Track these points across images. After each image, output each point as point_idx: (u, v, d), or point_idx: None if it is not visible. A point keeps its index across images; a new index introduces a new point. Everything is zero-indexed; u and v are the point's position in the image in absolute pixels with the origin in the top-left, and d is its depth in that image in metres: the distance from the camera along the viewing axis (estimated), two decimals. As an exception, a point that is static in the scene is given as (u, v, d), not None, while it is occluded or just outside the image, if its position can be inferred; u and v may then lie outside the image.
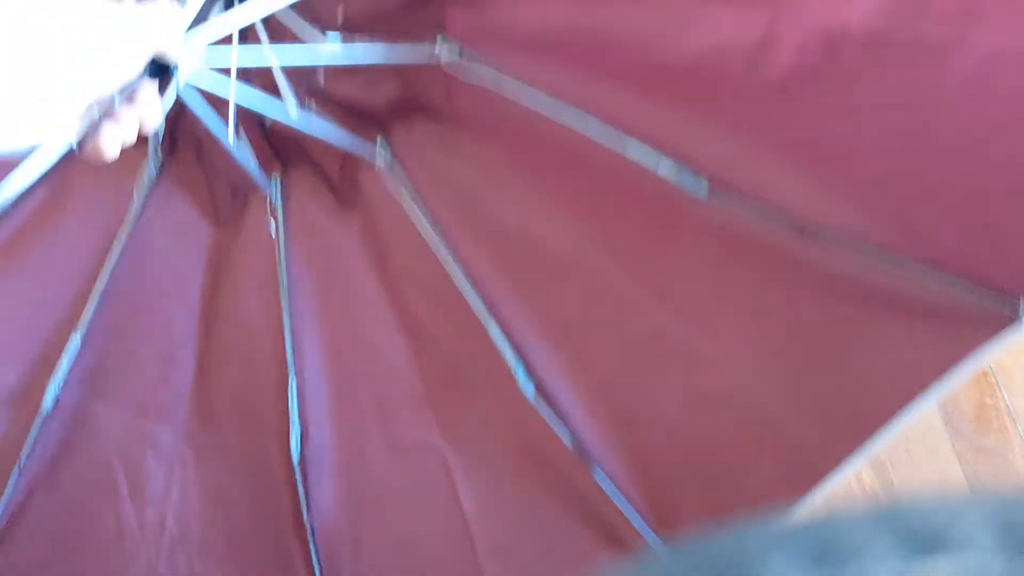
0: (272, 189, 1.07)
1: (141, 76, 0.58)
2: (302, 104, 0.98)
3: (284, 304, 1.06)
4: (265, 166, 1.06)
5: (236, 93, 0.85)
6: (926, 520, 0.26)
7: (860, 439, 0.80)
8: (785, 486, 0.85)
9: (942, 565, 0.24)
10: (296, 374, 1.06)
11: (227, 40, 0.81)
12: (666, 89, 0.80)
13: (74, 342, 1.10)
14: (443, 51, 0.92)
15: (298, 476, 1.09)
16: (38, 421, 1.11)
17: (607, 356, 0.96)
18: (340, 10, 0.93)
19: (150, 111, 0.58)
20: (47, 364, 1.09)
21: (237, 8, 0.79)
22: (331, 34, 0.93)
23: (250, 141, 1.04)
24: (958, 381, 0.74)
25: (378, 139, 1.03)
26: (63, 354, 1.10)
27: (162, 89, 0.61)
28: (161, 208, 1.09)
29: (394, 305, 1.06)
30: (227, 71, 0.84)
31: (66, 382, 1.11)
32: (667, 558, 0.30)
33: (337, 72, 1.00)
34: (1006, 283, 0.71)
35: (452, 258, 1.00)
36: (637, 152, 0.84)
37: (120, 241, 1.08)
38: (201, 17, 0.75)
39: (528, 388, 0.98)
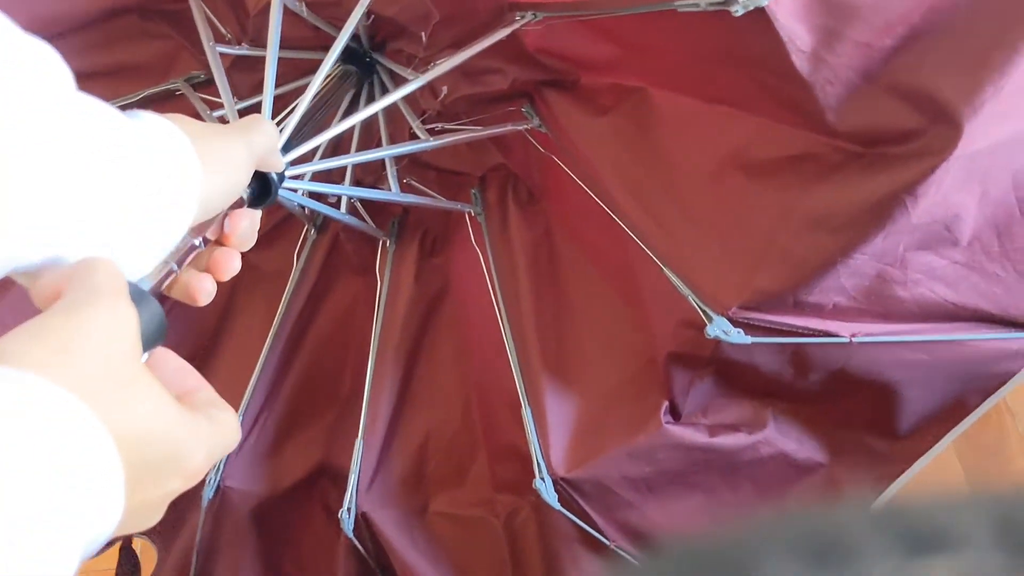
0: (391, 238, 1.25)
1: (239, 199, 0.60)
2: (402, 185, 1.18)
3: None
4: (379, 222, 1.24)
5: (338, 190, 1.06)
6: (924, 519, 0.26)
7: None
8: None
9: (941, 564, 0.25)
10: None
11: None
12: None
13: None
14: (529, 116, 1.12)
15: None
16: (202, 510, 1.19)
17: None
18: (443, 92, 1.13)
19: (247, 233, 0.59)
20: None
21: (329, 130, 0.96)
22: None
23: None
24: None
25: (473, 189, 1.21)
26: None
27: (262, 199, 0.65)
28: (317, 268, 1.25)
29: (460, 362, 1.22)
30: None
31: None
32: (666, 559, 0.29)
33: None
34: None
35: (502, 305, 1.14)
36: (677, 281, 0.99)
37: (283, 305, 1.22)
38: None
39: (548, 490, 1.06)
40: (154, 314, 0.45)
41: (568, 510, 1.06)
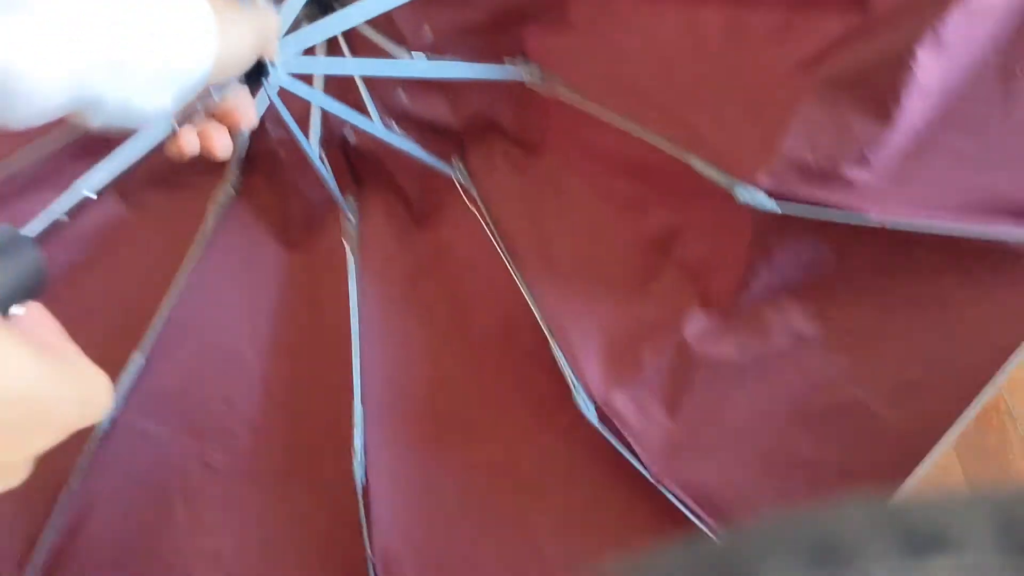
0: (348, 207, 1.17)
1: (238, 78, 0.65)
2: (384, 121, 1.13)
3: (354, 328, 1.12)
4: (343, 185, 1.16)
5: (321, 101, 1.01)
6: (925, 520, 0.27)
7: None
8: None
9: (941, 565, 0.26)
10: (362, 400, 1.11)
11: (311, 51, 0.96)
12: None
13: (136, 362, 1.14)
14: (525, 72, 1.09)
15: (361, 504, 1.11)
16: (93, 440, 1.13)
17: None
18: (426, 30, 1.09)
19: (244, 113, 0.64)
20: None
21: (328, 19, 0.94)
22: (416, 54, 1.09)
23: (330, 159, 1.15)
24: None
25: (453, 157, 1.17)
26: (123, 373, 1.12)
27: (254, 92, 0.68)
28: (232, 230, 1.16)
29: (461, 326, 1.15)
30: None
31: (125, 402, 1.14)
32: (667, 558, 0.30)
33: (418, 92, 1.14)
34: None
35: (520, 276, 1.10)
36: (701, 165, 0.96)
37: (190, 260, 1.13)
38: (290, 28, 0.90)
39: (589, 410, 1.04)
40: (30, 262, 0.39)
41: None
